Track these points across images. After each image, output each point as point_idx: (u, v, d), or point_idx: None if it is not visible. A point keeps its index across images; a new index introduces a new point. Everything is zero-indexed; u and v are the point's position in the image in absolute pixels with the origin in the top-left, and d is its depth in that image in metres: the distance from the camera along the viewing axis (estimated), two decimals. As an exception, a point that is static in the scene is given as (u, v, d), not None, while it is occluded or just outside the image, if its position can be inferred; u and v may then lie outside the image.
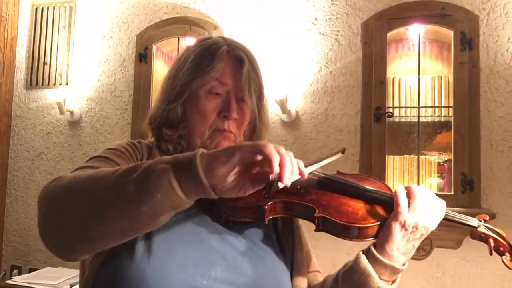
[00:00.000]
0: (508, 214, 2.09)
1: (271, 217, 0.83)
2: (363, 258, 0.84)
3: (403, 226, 0.80)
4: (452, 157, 2.13)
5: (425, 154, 2.28)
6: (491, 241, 0.84)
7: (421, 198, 0.81)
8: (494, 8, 2.18)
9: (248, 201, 0.83)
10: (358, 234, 0.80)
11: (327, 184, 0.88)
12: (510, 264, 0.83)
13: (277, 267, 0.86)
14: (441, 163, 2.24)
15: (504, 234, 0.86)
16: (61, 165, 2.87)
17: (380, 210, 0.84)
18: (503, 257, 0.83)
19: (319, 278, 0.99)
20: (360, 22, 2.37)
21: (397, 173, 2.28)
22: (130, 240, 0.71)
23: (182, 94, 0.91)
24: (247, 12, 2.54)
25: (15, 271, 2.83)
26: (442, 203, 0.84)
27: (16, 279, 2.43)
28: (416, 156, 2.25)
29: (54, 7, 2.97)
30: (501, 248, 0.84)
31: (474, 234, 0.88)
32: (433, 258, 2.14)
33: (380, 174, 2.20)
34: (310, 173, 0.82)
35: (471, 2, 2.21)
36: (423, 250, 2.11)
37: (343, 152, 0.97)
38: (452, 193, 2.09)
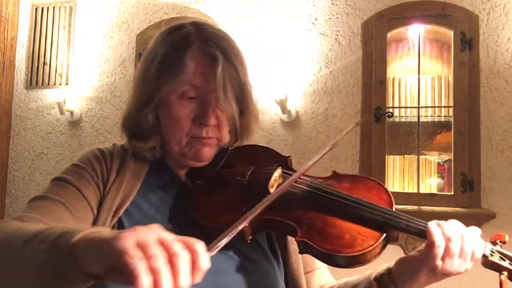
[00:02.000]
0: (508, 214, 2.09)
1: (251, 236, 0.75)
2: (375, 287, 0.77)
3: (433, 270, 0.70)
4: (452, 157, 2.13)
5: (425, 154, 2.28)
6: (504, 274, 0.71)
7: (459, 242, 0.69)
8: (494, 8, 2.18)
9: (227, 221, 0.72)
10: (344, 262, 0.70)
11: (311, 200, 0.77)
12: None
13: (269, 278, 0.81)
14: (441, 163, 2.24)
15: None
16: (61, 165, 2.86)
17: (370, 232, 0.71)
18: None
19: (319, 275, 0.93)
20: (360, 22, 2.37)
21: (397, 173, 2.28)
22: None
23: (152, 99, 0.81)
24: (247, 12, 2.54)
25: (15, 271, 2.83)
26: (481, 244, 0.73)
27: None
28: (416, 156, 2.25)
29: (54, 7, 2.96)
30: None
31: (486, 262, 0.73)
32: (433, 258, 2.14)
33: (380, 174, 2.20)
34: (298, 181, 0.75)
35: (471, 2, 2.21)
36: (423, 250, 2.11)
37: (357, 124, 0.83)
38: (452, 193, 2.09)
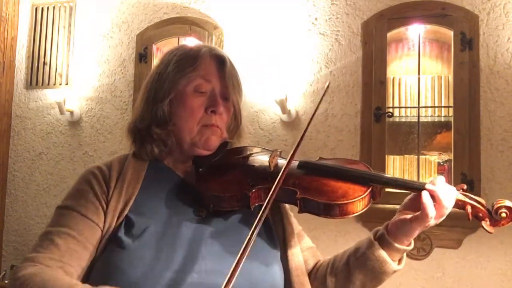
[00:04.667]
0: (508, 214, 2.09)
1: (256, 204, 0.88)
2: (377, 245, 0.87)
3: (425, 226, 0.83)
4: (452, 157, 2.13)
5: (425, 154, 2.28)
6: (468, 207, 0.84)
7: (447, 205, 0.82)
8: (494, 8, 2.18)
9: (234, 190, 0.89)
10: (339, 212, 0.83)
11: (307, 167, 0.92)
12: (490, 229, 0.84)
13: (265, 252, 0.89)
14: (441, 163, 2.24)
15: (483, 202, 0.85)
16: (61, 165, 2.86)
17: (358, 187, 0.86)
18: (483, 222, 0.84)
19: (315, 253, 1.04)
20: (360, 22, 2.37)
21: (397, 173, 2.28)
22: (118, 243, 0.81)
23: (169, 94, 0.93)
24: (247, 12, 2.54)
25: (15, 271, 2.83)
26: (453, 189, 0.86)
27: (16, 279, 2.43)
28: (416, 156, 2.25)
29: (54, 7, 2.96)
30: (480, 214, 0.85)
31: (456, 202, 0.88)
32: (433, 258, 2.14)
33: (380, 174, 2.20)
34: (292, 159, 0.86)
35: (471, 2, 2.21)
36: (423, 250, 2.11)
37: (328, 86, 0.97)
38: (452, 193, 2.08)
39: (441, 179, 0.84)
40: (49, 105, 2.92)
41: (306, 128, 0.90)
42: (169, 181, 0.95)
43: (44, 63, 2.95)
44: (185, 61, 0.95)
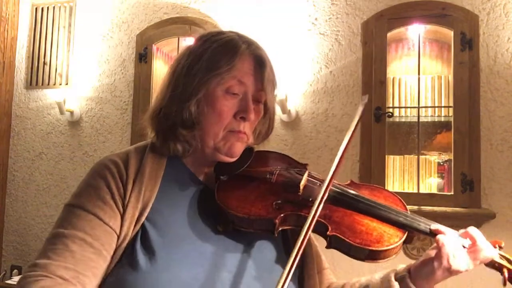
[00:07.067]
0: (508, 214, 2.09)
1: (280, 229, 0.82)
2: (397, 287, 0.82)
3: (448, 270, 0.78)
4: (452, 157, 2.13)
5: (425, 154, 2.28)
6: (505, 271, 0.81)
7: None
8: (494, 8, 2.18)
9: (257, 212, 0.82)
10: (371, 257, 0.78)
11: (341, 200, 0.85)
12: None
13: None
14: (441, 163, 2.24)
15: None
16: (61, 165, 2.86)
17: (394, 231, 0.80)
18: None
19: (327, 275, 0.99)
20: (360, 22, 2.37)
21: (397, 173, 2.28)
22: (132, 263, 0.75)
23: (197, 92, 0.85)
24: (247, 12, 2.54)
25: (15, 271, 2.84)
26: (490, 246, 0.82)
27: (16, 279, 2.43)
28: (416, 156, 2.25)
29: (54, 7, 2.97)
30: None
31: (489, 262, 0.84)
32: (433, 258, 2.14)
33: (380, 174, 2.20)
34: (326, 193, 0.78)
35: (471, 2, 2.21)
36: (423, 250, 2.11)
37: (364, 105, 0.85)
38: (452, 193, 2.09)
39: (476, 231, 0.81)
40: (49, 105, 2.92)
41: (342, 157, 0.80)
42: (188, 184, 0.89)
43: (44, 63, 2.95)
44: (220, 57, 0.85)
